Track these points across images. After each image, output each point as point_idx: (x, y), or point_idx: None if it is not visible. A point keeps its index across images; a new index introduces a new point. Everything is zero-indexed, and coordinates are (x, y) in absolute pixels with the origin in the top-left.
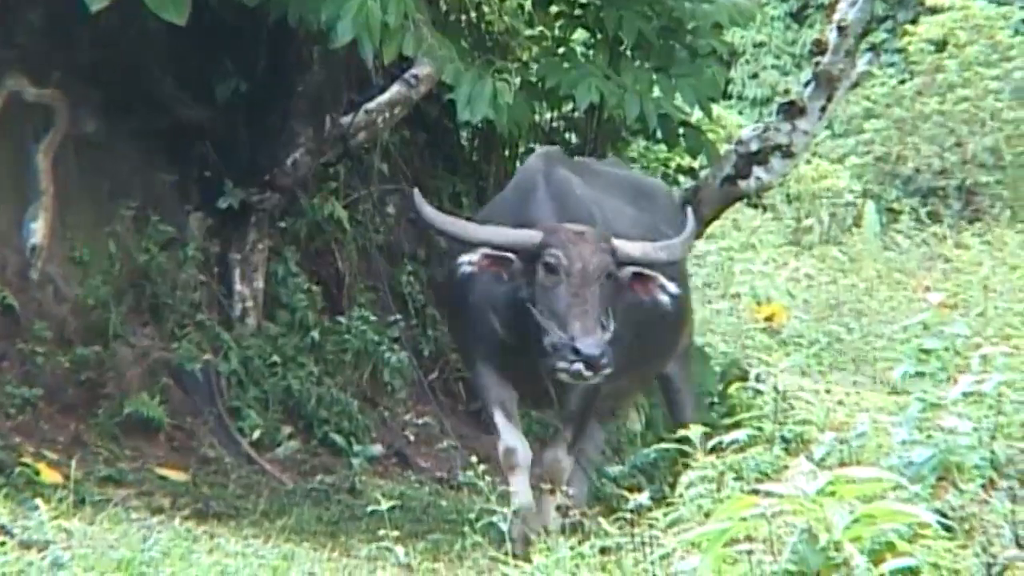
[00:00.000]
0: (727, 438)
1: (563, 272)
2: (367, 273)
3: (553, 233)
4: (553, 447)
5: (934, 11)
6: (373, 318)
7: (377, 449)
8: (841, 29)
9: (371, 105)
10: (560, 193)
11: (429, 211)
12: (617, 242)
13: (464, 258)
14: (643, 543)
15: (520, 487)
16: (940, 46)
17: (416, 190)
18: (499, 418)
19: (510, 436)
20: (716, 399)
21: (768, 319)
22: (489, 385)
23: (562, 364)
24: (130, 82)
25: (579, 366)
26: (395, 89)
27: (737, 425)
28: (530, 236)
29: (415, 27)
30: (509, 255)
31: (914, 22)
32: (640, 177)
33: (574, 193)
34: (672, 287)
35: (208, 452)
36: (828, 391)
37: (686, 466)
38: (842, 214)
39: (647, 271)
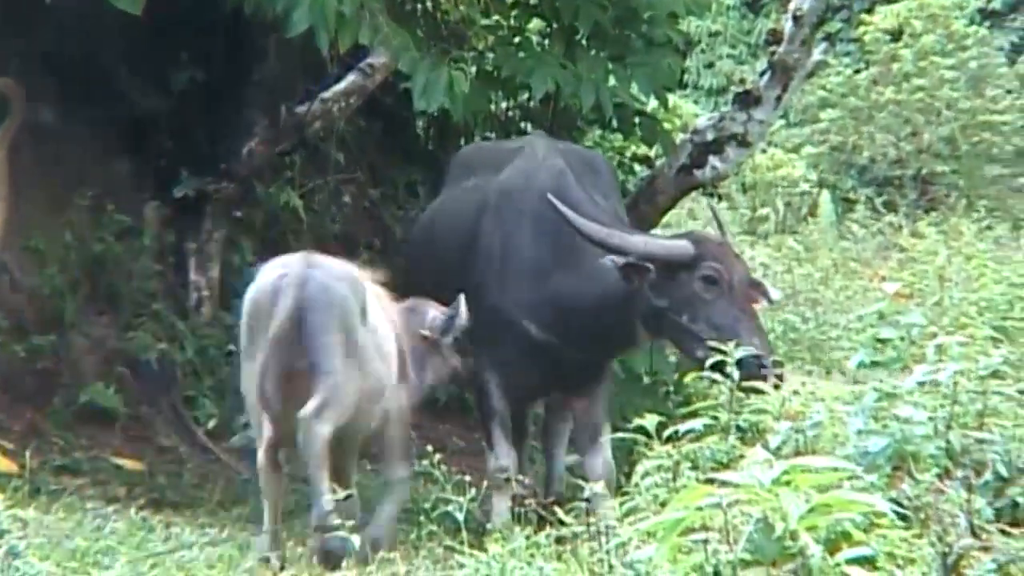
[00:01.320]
0: (683, 427)
1: (724, 285)
2: None
3: (702, 244)
4: (595, 453)
5: (890, 1)
6: None
7: None
8: (797, 19)
9: (327, 94)
10: (588, 196)
11: (580, 221)
12: None
13: (609, 257)
14: (599, 532)
15: (502, 507)
16: (896, 36)
17: (552, 198)
18: (497, 433)
19: (504, 454)
20: (672, 389)
21: None
22: (493, 396)
23: (754, 382)
24: (86, 72)
25: (771, 380)
26: (351, 78)
27: (693, 415)
28: (682, 247)
29: (371, 16)
30: (648, 265)
31: (870, 11)
32: (583, 151)
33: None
34: (775, 293)
35: (163, 441)
36: (784, 380)
37: (642, 456)
38: (798, 203)
39: (757, 277)
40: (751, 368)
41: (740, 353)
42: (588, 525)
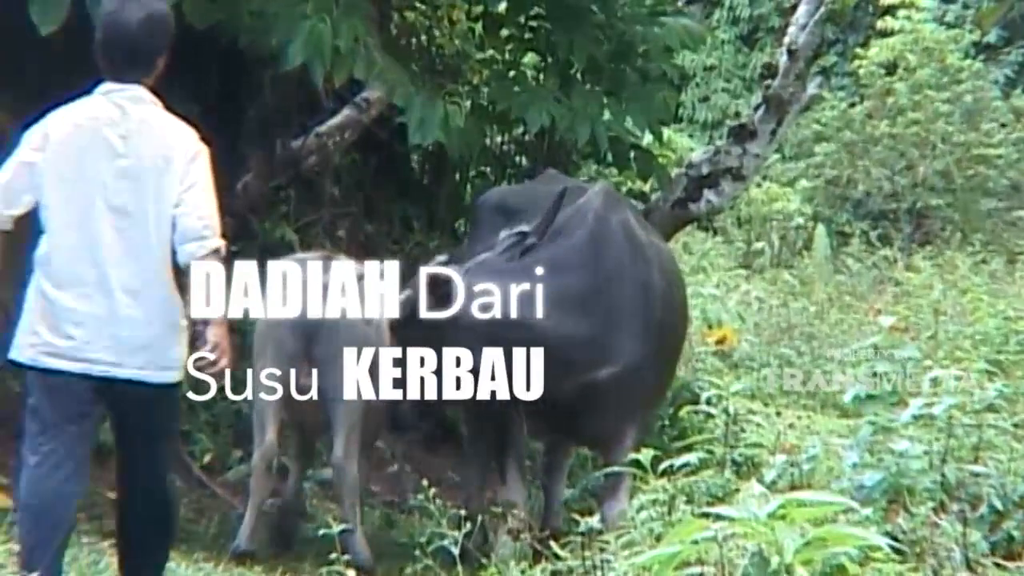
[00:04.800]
0: (678, 461)
1: None
2: None
3: None
4: (613, 502)
5: (884, 34)
6: None
7: (328, 473)
8: (791, 52)
9: (322, 129)
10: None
11: None
12: None
13: None
14: (594, 566)
15: (507, 539)
16: (890, 69)
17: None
18: (511, 464)
19: (516, 488)
20: (667, 422)
21: (719, 342)
22: (513, 431)
23: None
24: None
25: None
26: (346, 113)
27: (688, 448)
28: None
29: (366, 51)
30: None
31: (864, 45)
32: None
33: None
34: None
35: None
36: (779, 414)
37: (638, 489)
38: (792, 237)
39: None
40: None
41: None
42: (584, 559)
